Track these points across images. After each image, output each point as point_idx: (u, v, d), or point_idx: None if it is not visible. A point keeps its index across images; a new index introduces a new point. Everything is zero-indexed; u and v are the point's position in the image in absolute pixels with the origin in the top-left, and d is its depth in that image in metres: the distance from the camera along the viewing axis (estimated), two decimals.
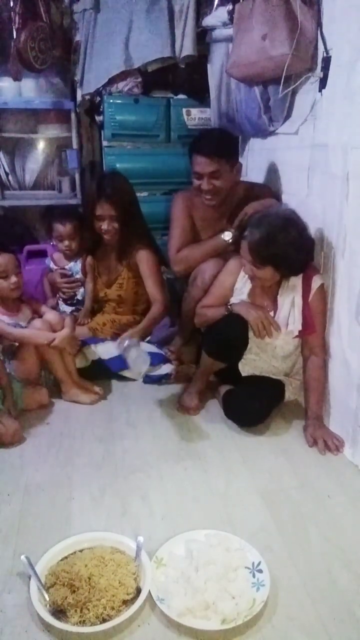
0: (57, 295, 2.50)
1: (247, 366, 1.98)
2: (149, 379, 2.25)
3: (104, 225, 2.21)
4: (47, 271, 2.52)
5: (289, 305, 1.84)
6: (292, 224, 1.71)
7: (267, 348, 1.91)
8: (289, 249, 1.70)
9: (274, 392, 1.97)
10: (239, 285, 1.95)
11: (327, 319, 1.86)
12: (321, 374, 1.86)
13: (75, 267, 2.43)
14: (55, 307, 2.43)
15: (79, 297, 2.46)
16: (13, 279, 1.99)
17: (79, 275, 2.43)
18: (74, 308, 2.46)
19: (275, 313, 1.86)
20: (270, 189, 2.29)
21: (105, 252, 2.37)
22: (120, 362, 2.21)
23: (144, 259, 2.29)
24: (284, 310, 1.85)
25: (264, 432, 1.90)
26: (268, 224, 1.71)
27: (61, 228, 2.34)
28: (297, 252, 1.72)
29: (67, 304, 2.47)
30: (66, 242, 2.37)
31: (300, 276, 1.82)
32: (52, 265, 2.48)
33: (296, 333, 1.85)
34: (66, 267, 2.44)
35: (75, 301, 2.47)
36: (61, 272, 2.43)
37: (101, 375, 2.25)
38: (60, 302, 2.49)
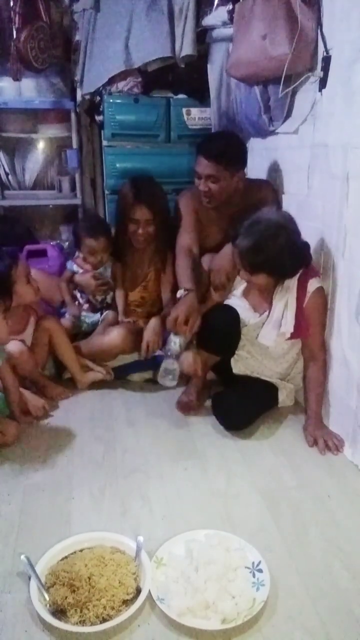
0: (81, 302, 2.39)
1: (239, 363, 1.97)
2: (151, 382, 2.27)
3: (140, 229, 2.20)
4: (68, 275, 2.38)
5: (282, 307, 1.83)
6: (281, 230, 1.70)
7: (260, 346, 1.91)
8: (279, 256, 1.70)
9: (264, 397, 1.96)
10: (234, 284, 1.97)
11: (326, 321, 1.85)
12: (321, 376, 1.86)
13: (104, 272, 2.36)
14: (77, 315, 2.35)
15: (108, 300, 2.39)
16: (34, 283, 2.04)
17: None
18: (99, 315, 2.36)
19: (269, 313, 1.86)
20: (270, 183, 2.29)
21: (132, 257, 2.35)
22: (128, 368, 2.28)
23: (169, 264, 2.29)
24: (277, 311, 1.84)
25: (264, 432, 1.90)
26: (257, 231, 1.71)
27: (94, 243, 2.28)
28: (288, 257, 1.72)
29: (95, 310, 2.37)
30: (98, 257, 2.31)
31: (296, 278, 1.81)
32: (75, 268, 2.36)
33: (288, 335, 1.84)
34: (100, 271, 2.36)
35: (104, 305, 2.39)
36: (94, 275, 2.33)
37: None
38: (86, 309, 2.38)
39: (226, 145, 2.08)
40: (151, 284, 2.37)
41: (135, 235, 2.23)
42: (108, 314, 2.35)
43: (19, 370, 2.01)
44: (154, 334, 2.19)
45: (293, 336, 1.85)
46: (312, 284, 1.80)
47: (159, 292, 2.38)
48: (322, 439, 1.79)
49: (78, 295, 2.39)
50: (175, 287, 2.25)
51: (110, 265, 2.36)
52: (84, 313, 2.37)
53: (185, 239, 2.17)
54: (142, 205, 2.17)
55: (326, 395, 1.90)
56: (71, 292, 2.38)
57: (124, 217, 2.23)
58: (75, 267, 2.36)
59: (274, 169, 2.31)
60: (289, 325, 1.82)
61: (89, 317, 2.37)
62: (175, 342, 1.90)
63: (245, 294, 1.94)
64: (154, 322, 2.23)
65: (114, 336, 2.21)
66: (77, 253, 2.38)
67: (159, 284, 2.36)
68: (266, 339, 1.87)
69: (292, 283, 1.82)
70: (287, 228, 1.72)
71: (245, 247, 1.71)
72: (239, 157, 2.13)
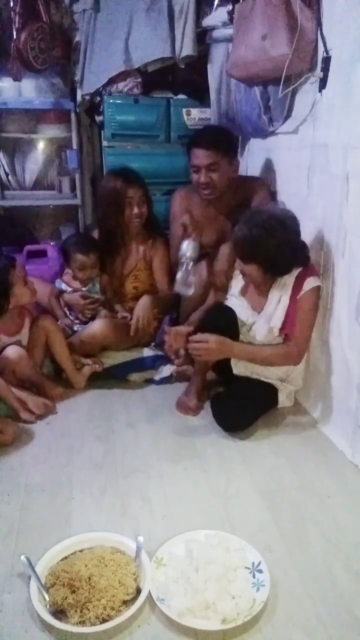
0: (71, 319, 2.35)
1: (240, 363, 1.96)
2: (151, 382, 2.28)
3: (135, 209, 2.25)
4: (56, 292, 2.35)
5: (276, 303, 1.84)
6: (279, 225, 1.71)
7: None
8: (273, 250, 1.71)
9: (264, 398, 1.95)
10: (232, 282, 1.98)
11: (313, 321, 1.85)
12: (274, 352, 1.83)
13: (93, 288, 2.33)
14: (70, 327, 2.32)
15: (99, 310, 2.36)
16: (30, 283, 2.03)
17: (97, 295, 2.33)
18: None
19: (263, 309, 1.87)
20: (263, 180, 2.31)
21: (121, 248, 2.38)
22: (126, 368, 2.27)
23: (159, 250, 2.37)
24: (270, 307, 1.84)
25: (264, 432, 1.90)
26: (255, 222, 1.72)
27: (85, 259, 2.27)
28: (281, 253, 1.72)
29: (83, 323, 2.35)
30: (88, 272, 2.30)
31: (294, 276, 1.81)
32: (63, 286, 2.33)
33: (277, 332, 1.84)
34: (83, 289, 2.32)
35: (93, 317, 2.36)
36: (82, 295, 2.30)
37: (103, 377, 2.26)
38: (77, 323, 2.35)
39: (219, 134, 2.18)
40: (142, 274, 2.39)
41: (131, 218, 2.26)
42: (101, 312, 2.33)
43: (19, 374, 2.01)
44: (144, 309, 2.22)
45: (281, 332, 1.84)
46: (309, 283, 1.80)
47: (152, 282, 2.40)
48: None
49: (67, 312, 2.36)
50: (169, 273, 2.31)
51: (98, 280, 2.34)
52: (75, 327, 2.33)
53: (174, 252, 2.25)
54: (134, 185, 2.24)
55: (326, 396, 1.90)
56: (61, 307, 2.36)
57: (116, 205, 2.25)
58: (63, 286, 2.34)
59: (274, 169, 2.31)
60: (277, 321, 1.82)
61: (82, 327, 2.32)
62: (188, 248, 1.98)
63: (243, 292, 1.94)
64: (144, 299, 2.26)
65: (94, 327, 2.22)
66: (65, 270, 2.36)
67: (151, 274, 2.39)
68: (257, 333, 1.87)
69: (289, 280, 1.82)
70: (286, 225, 1.72)
71: (241, 235, 1.73)
72: (233, 144, 2.21)
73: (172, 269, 2.31)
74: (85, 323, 2.33)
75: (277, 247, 1.70)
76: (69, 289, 2.33)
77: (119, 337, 2.25)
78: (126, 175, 2.27)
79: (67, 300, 2.34)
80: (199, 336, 1.75)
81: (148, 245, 2.38)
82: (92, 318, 2.33)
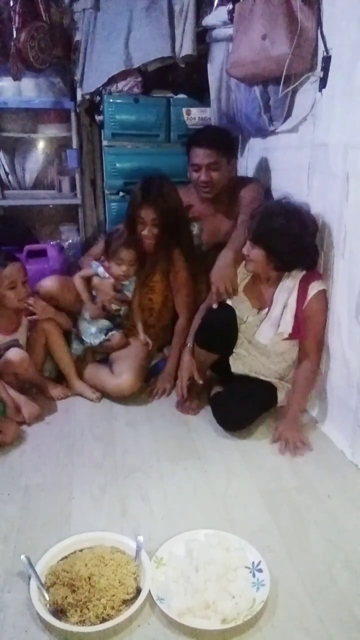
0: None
1: (238, 362, 1.97)
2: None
3: (145, 231, 2.10)
4: (89, 274, 2.19)
5: (282, 306, 1.84)
6: (300, 223, 1.72)
7: (258, 345, 1.91)
8: (284, 243, 1.71)
9: (263, 397, 1.95)
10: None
11: (324, 325, 1.85)
12: (310, 376, 1.86)
13: (129, 286, 2.20)
14: (95, 316, 2.19)
15: (122, 313, 2.24)
16: (21, 289, 1.98)
17: (129, 293, 2.21)
18: (103, 336, 2.21)
19: (268, 311, 1.86)
20: (258, 181, 2.32)
21: (141, 255, 2.23)
22: None
23: (178, 273, 2.21)
24: (276, 310, 1.84)
25: (264, 432, 1.90)
26: (279, 211, 1.74)
27: (127, 254, 2.11)
28: (292, 249, 1.73)
29: (108, 317, 2.22)
30: (124, 267, 2.14)
31: (299, 279, 1.82)
32: (100, 270, 2.17)
33: (286, 335, 1.84)
34: (124, 283, 2.18)
35: (118, 316, 2.25)
36: (115, 284, 2.16)
37: None
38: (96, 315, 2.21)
39: (219, 133, 2.22)
40: (159, 286, 2.27)
41: (142, 237, 2.12)
42: (115, 335, 2.21)
43: (20, 376, 2.01)
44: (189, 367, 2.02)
45: (291, 337, 1.85)
46: (314, 287, 1.80)
47: (166, 294, 2.28)
48: (285, 439, 1.79)
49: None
50: (191, 292, 2.23)
51: (134, 280, 2.22)
52: (92, 329, 2.21)
53: None
54: (149, 205, 2.07)
55: (326, 395, 1.90)
56: (90, 290, 2.20)
57: (132, 217, 2.13)
58: (100, 270, 2.17)
59: (274, 169, 2.31)
60: (287, 326, 1.83)
61: (95, 337, 2.21)
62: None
63: (246, 291, 1.94)
64: (184, 361, 2.04)
65: (122, 382, 2.09)
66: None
67: (167, 286, 2.27)
68: (263, 337, 1.87)
69: (294, 284, 1.82)
70: (306, 225, 1.74)
71: (260, 217, 1.75)
72: (232, 144, 2.25)
73: (188, 281, 2.22)
74: (107, 317, 2.21)
75: (289, 242, 1.71)
76: (106, 275, 2.17)
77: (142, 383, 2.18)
78: (148, 190, 2.08)
79: (96, 285, 2.19)
80: (278, 435, 1.83)
81: (165, 259, 2.22)
82: (117, 312, 2.22)
